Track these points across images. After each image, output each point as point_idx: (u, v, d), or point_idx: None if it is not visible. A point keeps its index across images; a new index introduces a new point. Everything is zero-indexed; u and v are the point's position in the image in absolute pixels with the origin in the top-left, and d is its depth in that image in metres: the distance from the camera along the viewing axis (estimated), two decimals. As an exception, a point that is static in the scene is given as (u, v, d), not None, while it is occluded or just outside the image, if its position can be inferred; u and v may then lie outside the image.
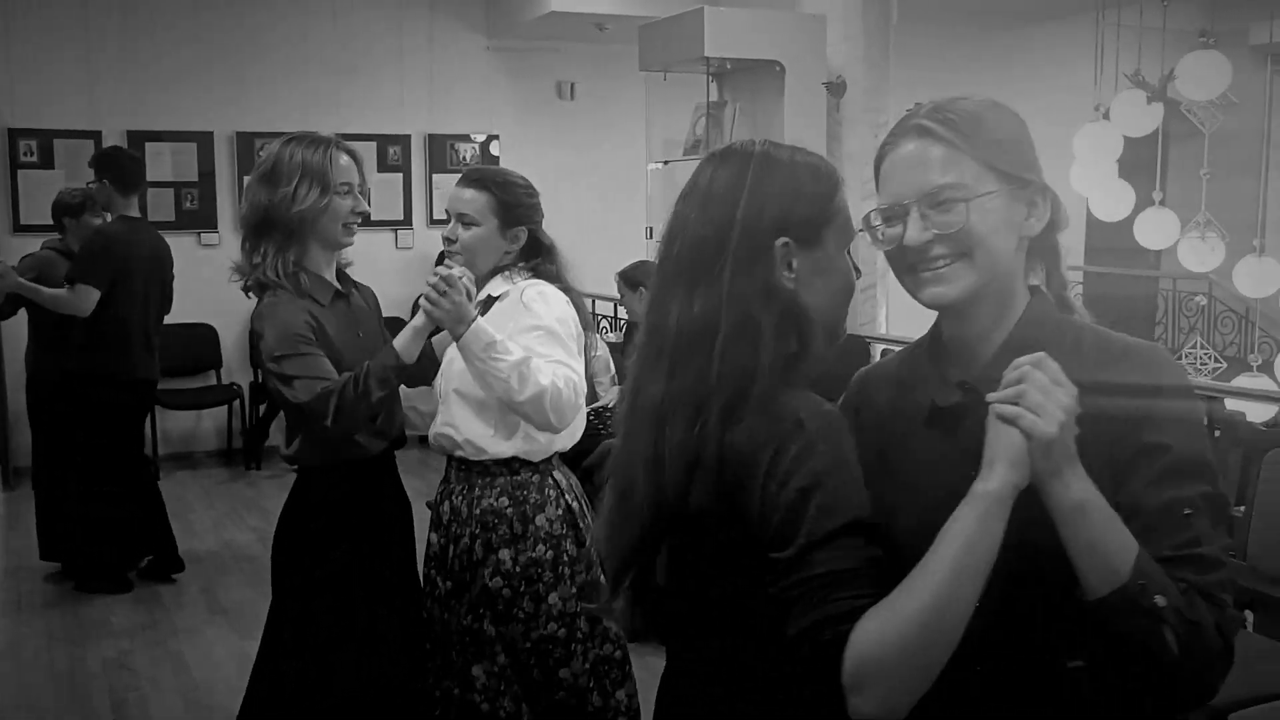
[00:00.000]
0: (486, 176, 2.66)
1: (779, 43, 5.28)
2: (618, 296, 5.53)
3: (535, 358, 2.40)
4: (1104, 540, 1.17)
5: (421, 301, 2.41)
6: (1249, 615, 3.46)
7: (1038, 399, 1.18)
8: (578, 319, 2.61)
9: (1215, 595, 1.18)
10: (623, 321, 5.90)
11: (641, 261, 5.13)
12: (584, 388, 2.52)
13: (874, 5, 5.38)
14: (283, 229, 2.48)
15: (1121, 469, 1.23)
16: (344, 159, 2.54)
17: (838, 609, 1.20)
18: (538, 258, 2.66)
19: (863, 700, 1.17)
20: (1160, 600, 1.15)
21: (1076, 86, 6.81)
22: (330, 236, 2.54)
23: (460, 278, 2.37)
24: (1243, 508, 3.23)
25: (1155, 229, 5.96)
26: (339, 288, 2.62)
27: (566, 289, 2.63)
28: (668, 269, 1.39)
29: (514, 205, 2.62)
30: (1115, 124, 5.82)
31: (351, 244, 2.61)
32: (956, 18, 8.44)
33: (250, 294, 2.54)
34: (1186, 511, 1.20)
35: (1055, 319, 1.36)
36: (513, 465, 2.57)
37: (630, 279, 5.01)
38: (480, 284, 2.55)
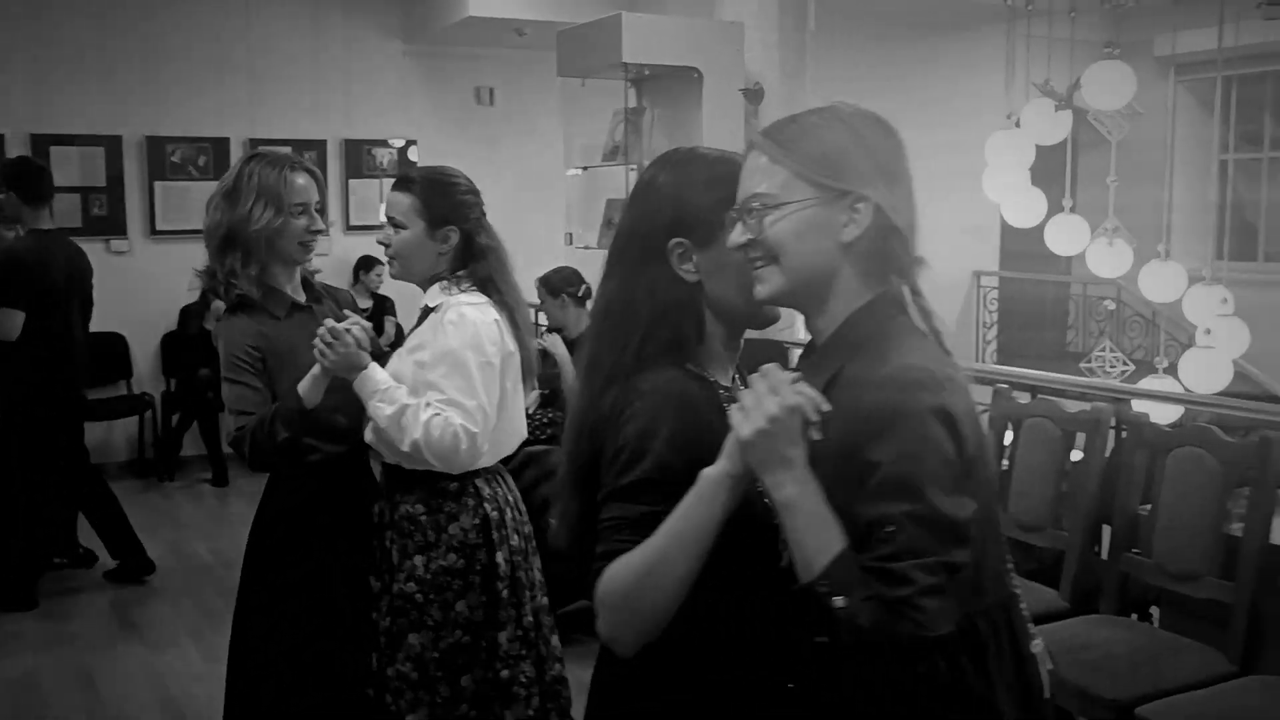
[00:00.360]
0: (412, 176, 2.65)
1: (697, 49, 5.30)
2: (538, 302, 5.50)
3: (418, 404, 2.43)
4: (805, 539, 1.31)
5: (314, 353, 2.47)
6: (1155, 611, 3.56)
7: (749, 403, 1.34)
8: (508, 336, 2.58)
9: (900, 609, 1.26)
10: (542, 328, 5.88)
11: (562, 267, 5.11)
12: (481, 422, 2.47)
13: (791, 13, 5.43)
14: (243, 245, 2.58)
15: (850, 481, 1.32)
16: (300, 179, 2.61)
17: (607, 549, 1.41)
18: (475, 261, 2.60)
19: (599, 624, 1.42)
20: (839, 601, 1.27)
21: (989, 95, 6.94)
22: (287, 255, 2.64)
23: (349, 328, 2.44)
24: (1149, 506, 3.30)
25: (1065, 235, 6.08)
26: (298, 300, 2.67)
27: (501, 299, 2.58)
28: (607, 261, 1.60)
29: (439, 205, 2.58)
30: (1026, 132, 5.93)
31: (308, 261, 2.69)
32: (873, 26, 8.55)
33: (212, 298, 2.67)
34: (889, 528, 1.28)
35: (872, 326, 1.43)
36: (432, 473, 2.55)
37: (551, 285, 4.98)
38: (426, 288, 2.62)
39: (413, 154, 8.26)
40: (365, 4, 8.13)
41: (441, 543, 2.53)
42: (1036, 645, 1.49)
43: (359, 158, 8.17)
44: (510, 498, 2.67)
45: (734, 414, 1.35)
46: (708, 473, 1.36)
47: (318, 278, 2.86)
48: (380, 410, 2.45)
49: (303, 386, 2.49)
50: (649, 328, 1.51)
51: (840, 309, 1.44)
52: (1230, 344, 5.86)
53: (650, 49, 5.28)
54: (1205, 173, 9.73)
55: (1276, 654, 2.93)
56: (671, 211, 1.53)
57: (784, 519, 1.33)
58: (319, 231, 2.65)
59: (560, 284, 4.92)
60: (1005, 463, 3.76)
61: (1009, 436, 3.77)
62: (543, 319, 5.67)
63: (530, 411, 4.84)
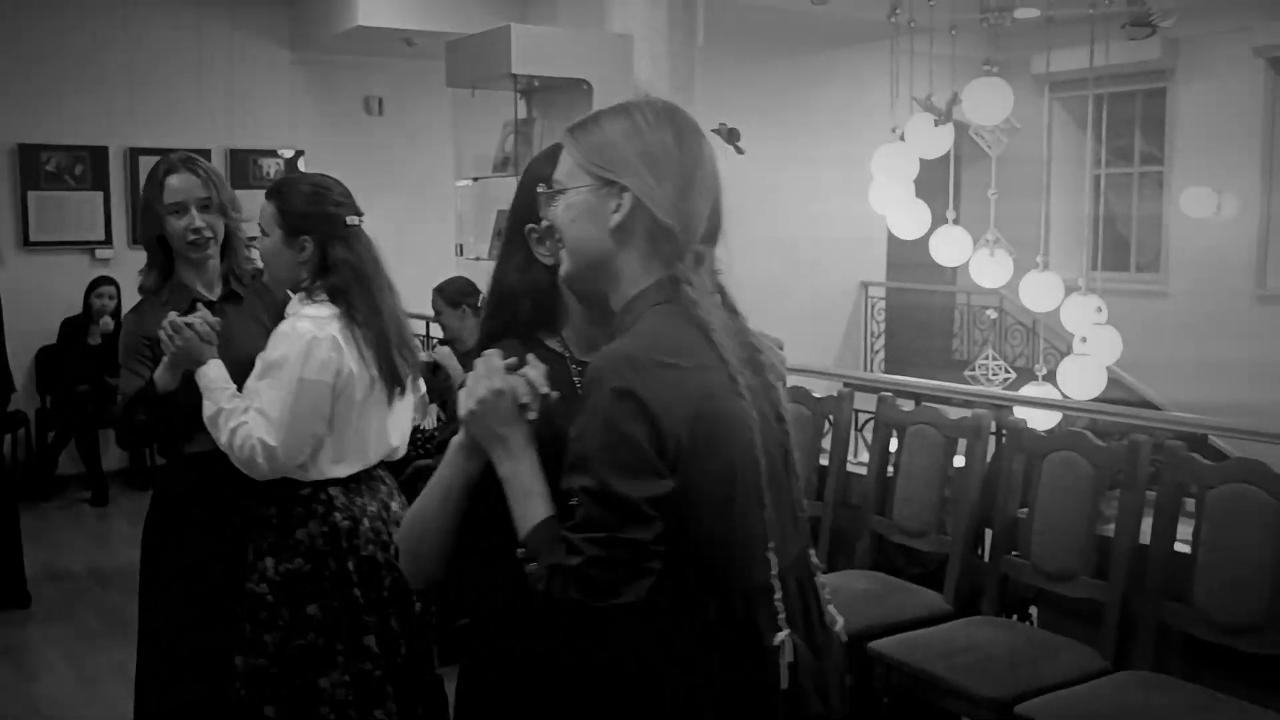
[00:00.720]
0: (275, 184, 2.68)
1: (586, 61, 5.32)
2: (431, 314, 5.44)
3: (232, 409, 2.51)
4: (515, 509, 1.47)
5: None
6: (1034, 611, 3.66)
7: (470, 385, 1.52)
8: (349, 353, 2.53)
9: (571, 577, 1.38)
10: (434, 340, 5.81)
11: (456, 278, 5.06)
12: (282, 437, 2.46)
13: (680, 27, 5.48)
14: (146, 246, 2.81)
15: (564, 456, 1.45)
16: (175, 180, 2.74)
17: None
18: (329, 274, 2.58)
19: None
20: (530, 567, 1.42)
21: (875, 110, 7.09)
22: (182, 254, 2.76)
23: (191, 322, 2.54)
24: (1027, 510, 3.40)
25: (949, 246, 6.23)
26: (206, 296, 2.77)
27: (351, 314, 2.55)
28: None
29: (295, 214, 2.58)
30: (910, 146, 6.07)
31: (201, 258, 2.77)
32: (762, 41, 8.67)
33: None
34: (573, 501, 1.41)
35: (635, 311, 1.50)
36: (287, 478, 2.56)
37: (449, 296, 4.93)
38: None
39: (301, 164, 8.12)
40: (251, 11, 7.98)
41: (289, 546, 2.55)
42: (780, 638, 1.52)
43: (245, 168, 8.00)
44: (373, 509, 2.64)
45: (460, 394, 1.52)
46: (452, 440, 1.56)
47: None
48: (205, 408, 2.54)
49: (158, 373, 2.60)
50: (510, 307, 1.65)
51: (626, 293, 1.52)
52: (1105, 352, 6.07)
53: (540, 60, 5.28)
54: (1080, 187, 10.09)
55: (1146, 650, 3.04)
56: (526, 199, 1.64)
57: (505, 490, 1.49)
58: (197, 230, 2.72)
59: (457, 295, 4.88)
60: (890, 469, 3.85)
61: (894, 443, 3.86)
62: (436, 330, 5.62)
63: (429, 427, 4.79)
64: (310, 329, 2.50)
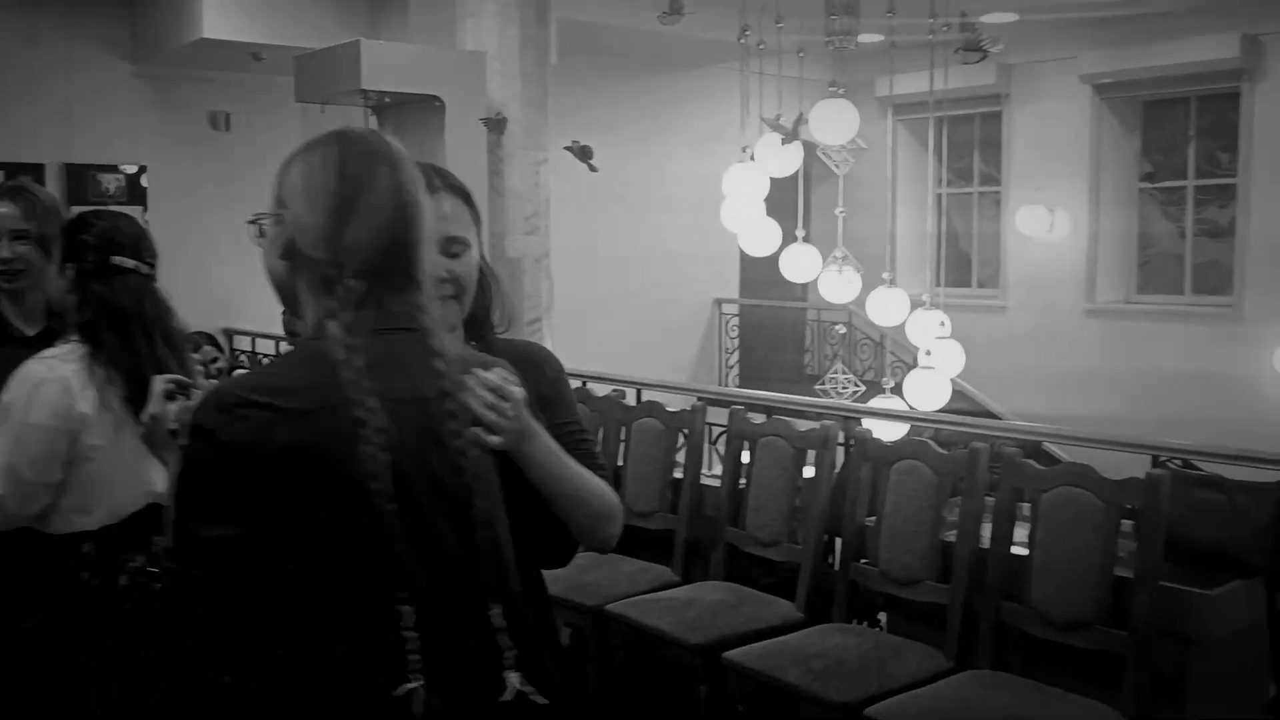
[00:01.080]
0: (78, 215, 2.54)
1: (438, 78, 5.29)
2: (283, 333, 5.32)
3: None
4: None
5: None
6: (883, 617, 3.77)
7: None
8: (86, 396, 2.35)
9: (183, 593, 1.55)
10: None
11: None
12: (8, 485, 2.30)
13: (533, 45, 5.50)
14: None
15: None
16: None
17: None
18: (84, 311, 2.41)
19: None
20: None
21: (727, 129, 7.22)
22: None
23: None
24: (874, 518, 3.50)
25: (799, 264, 6.38)
26: (21, 332, 2.65)
27: (96, 356, 2.37)
28: None
29: (67, 242, 2.44)
30: (760, 165, 6.20)
31: (14, 289, 2.67)
32: (615, 60, 8.76)
33: None
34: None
35: (300, 344, 1.55)
36: (34, 530, 2.40)
37: None
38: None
39: (144, 180, 7.86)
40: (89, 21, 7.69)
41: (36, 601, 2.37)
42: (405, 689, 1.42)
43: (83, 183, 7.70)
44: (136, 563, 2.39)
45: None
46: None
47: None
48: None
49: None
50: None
51: (309, 324, 1.55)
52: (948, 364, 6.29)
53: (390, 76, 5.23)
54: (924, 205, 10.44)
55: (987, 649, 3.16)
56: None
57: None
58: (7, 260, 2.63)
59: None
60: (744, 481, 3.91)
61: (746, 456, 3.93)
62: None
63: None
64: (39, 371, 2.33)
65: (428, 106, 5.32)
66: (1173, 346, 8.53)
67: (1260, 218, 8.24)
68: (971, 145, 10.32)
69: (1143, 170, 9.33)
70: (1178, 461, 3.27)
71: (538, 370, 1.80)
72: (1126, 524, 3.05)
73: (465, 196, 1.82)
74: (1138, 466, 3.17)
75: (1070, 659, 3.05)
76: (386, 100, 5.49)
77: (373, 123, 5.48)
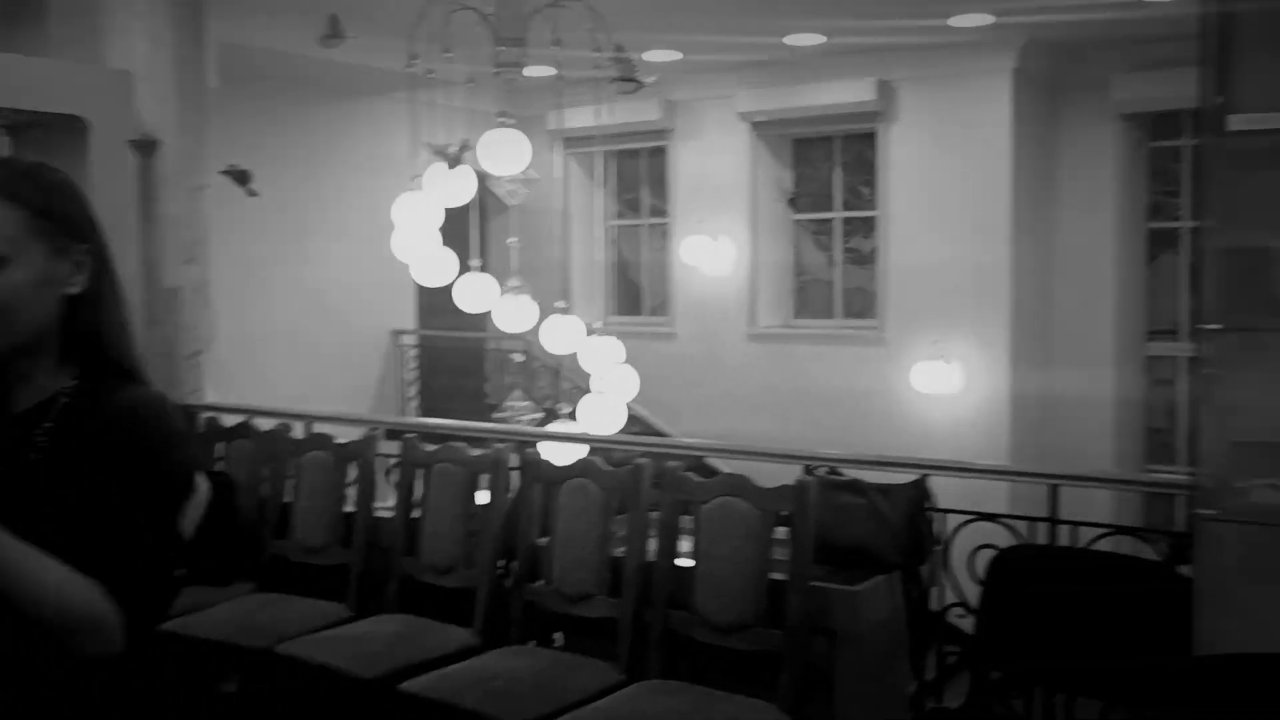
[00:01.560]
0: None
1: (81, 97, 4.95)
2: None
3: None
4: None
5: None
6: (559, 635, 3.82)
7: None
8: None
9: None
10: None
11: None
12: None
13: (188, 66, 5.25)
14: None
15: None
16: None
17: None
18: None
19: None
20: None
21: (397, 158, 7.15)
22: None
23: None
24: (547, 538, 3.56)
25: (474, 293, 6.40)
26: None
27: None
28: None
29: None
30: (431, 194, 6.18)
31: None
32: (281, 86, 8.50)
33: None
34: None
35: None
36: None
37: None
38: None
39: None
40: None
41: None
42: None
43: None
44: None
45: None
46: None
47: None
48: None
49: None
50: None
51: None
52: (622, 390, 6.48)
53: (26, 94, 4.84)
54: (597, 237, 10.75)
55: (658, 659, 3.27)
56: None
57: None
58: None
59: None
60: (420, 510, 3.88)
61: (420, 485, 3.90)
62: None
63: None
64: None
65: (70, 127, 4.97)
66: (826, 367, 9.15)
67: (897, 248, 9.00)
68: (639, 178, 10.71)
69: (791, 201, 9.95)
70: (826, 469, 3.51)
71: (122, 435, 1.51)
72: (784, 531, 3.24)
73: (14, 199, 1.51)
74: (793, 477, 3.38)
75: (735, 661, 3.21)
76: (24, 119, 5.08)
77: (8, 144, 5.07)
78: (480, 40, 6.04)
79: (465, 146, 5.50)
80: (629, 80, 4.84)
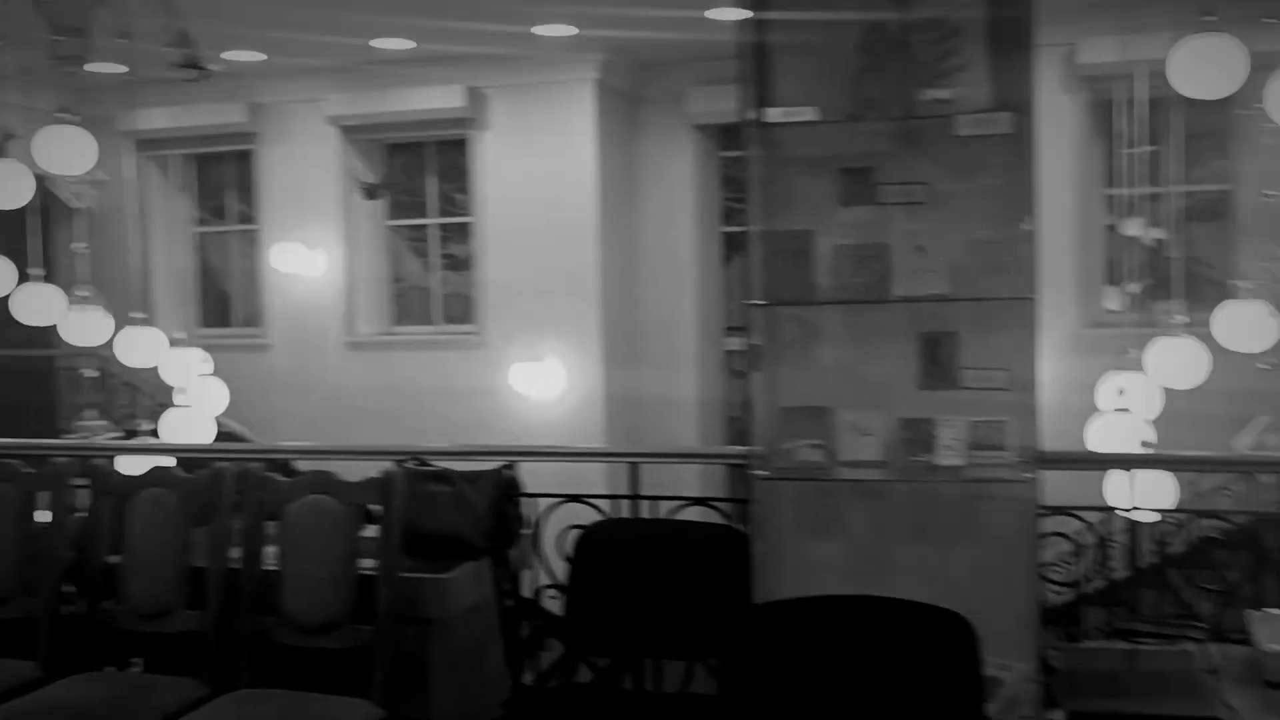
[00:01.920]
0: None
1: None
2: None
3: None
4: None
5: None
6: (140, 658, 3.59)
7: None
8: None
9: None
10: None
11: None
12: None
13: None
14: None
15: None
16: None
17: None
18: None
19: None
20: None
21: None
22: None
23: None
24: (119, 556, 3.34)
25: (36, 305, 5.93)
26: None
27: None
28: None
29: None
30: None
31: None
32: None
33: None
34: None
35: None
36: None
37: None
38: None
39: None
40: None
41: None
42: None
43: None
44: None
45: None
46: None
47: None
48: None
49: None
50: None
51: None
52: (209, 403, 6.20)
53: None
54: (180, 243, 10.19)
55: (247, 668, 3.15)
56: None
57: None
58: None
59: None
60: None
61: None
62: None
63: None
64: None
65: None
66: (428, 372, 9.16)
67: (494, 254, 9.16)
68: (225, 184, 10.26)
69: (369, 191, 9.77)
70: (414, 462, 3.51)
71: None
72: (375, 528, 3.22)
73: None
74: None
75: (330, 661, 3.15)
76: None
77: None
78: (38, 29, 5.57)
79: (6, 135, 5.04)
80: (193, 67, 4.60)
